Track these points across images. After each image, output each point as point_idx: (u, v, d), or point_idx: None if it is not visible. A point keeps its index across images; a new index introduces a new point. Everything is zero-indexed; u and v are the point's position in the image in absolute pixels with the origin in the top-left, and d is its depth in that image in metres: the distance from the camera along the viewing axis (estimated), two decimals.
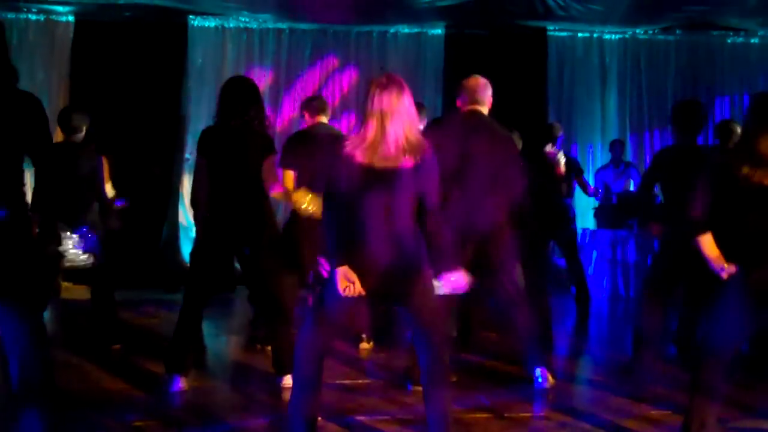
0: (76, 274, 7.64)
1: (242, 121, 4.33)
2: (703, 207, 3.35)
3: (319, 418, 3.50)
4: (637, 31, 9.43)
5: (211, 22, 9.01)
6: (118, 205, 5.77)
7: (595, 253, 8.49)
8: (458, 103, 4.56)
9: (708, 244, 3.35)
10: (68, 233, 5.24)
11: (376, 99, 3.11)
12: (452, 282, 3.32)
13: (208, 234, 4.36)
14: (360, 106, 3.30)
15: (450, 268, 3.32)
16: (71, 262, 5.37)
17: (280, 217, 6.25)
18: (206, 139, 4.38)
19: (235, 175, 4.34)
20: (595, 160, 9.40)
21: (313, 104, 5.40)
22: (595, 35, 9.47)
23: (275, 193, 4.43)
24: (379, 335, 5.53)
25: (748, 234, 3.27)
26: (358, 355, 5.40)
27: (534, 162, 5.85)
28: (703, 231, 3.35)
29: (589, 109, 9.46)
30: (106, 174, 5.62)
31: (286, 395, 3.99)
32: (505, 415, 4.07)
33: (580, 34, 9.44)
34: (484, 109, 4.49)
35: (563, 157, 5.83)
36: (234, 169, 4.33)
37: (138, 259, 8.31)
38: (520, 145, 5.52)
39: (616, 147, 8.72)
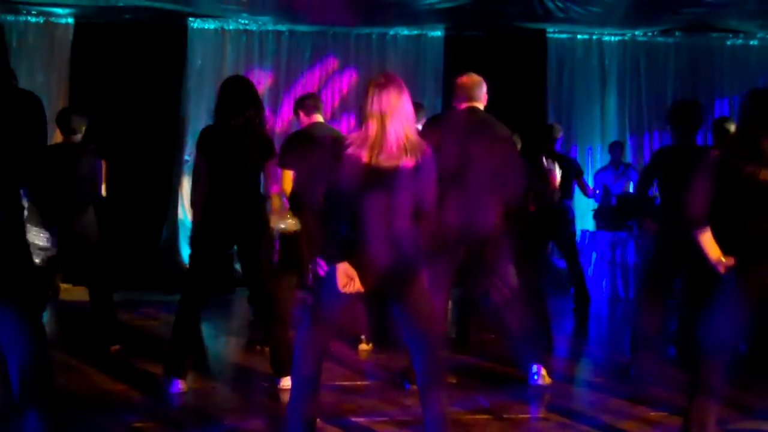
0: (76, 275, 7.67)
1: (243, 121, 4.34)
2: (703, 202, 3.34)
3: (318, 420, 3.49)
4: (637, 33, 9.43)
5: (210, 24, 9.02)
6: None
7: (594, 255, 8.50)
8: (454, 102, 4.56)
9: (707, 238, 3.35)
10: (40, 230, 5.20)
11: (375, 99, 3.12)
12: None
13: (204, 234, 4.36)
14: (359, 106, 3.28)
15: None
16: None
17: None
18: (206, 138, 4.38)
19: (234, 175, 4.34)
20: (594, 161, 9.40)
21: (308, 103, 5.34)
22: (594, 37, 9.48)
23: (273, 194, 4.44)
24: (378, 336, 5.53)
25: (751, 232, 3.26)
26: (356, 356, 5.40)
27: (534, 163, 5.86)
28: (703, 226, 3.35)
29: (588, 110, 9.46)
30: (103, 176, 5.63)
31: (285, 396, 3.99)
32: (504, 416, 4.06)
33: (579, 36, 9.45)
34: (481, 106, 4.50)
35: (558, 169, 5.79)
36: (233, 170, 4.33)
37: (137, 260, 8.32)
38: (519, 146, 5.52)
39: (616, 149, 8.72)
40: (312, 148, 4.97)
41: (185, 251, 8.44)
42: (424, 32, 9.28)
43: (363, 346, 5.54)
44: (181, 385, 4.34)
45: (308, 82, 9.13)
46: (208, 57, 9.00)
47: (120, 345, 5.44)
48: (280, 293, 4.76)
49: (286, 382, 4.27)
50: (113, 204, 7.74)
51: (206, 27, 9.01)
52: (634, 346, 4.99)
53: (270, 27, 9.12)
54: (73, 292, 7.68)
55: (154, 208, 8.79)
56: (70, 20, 8.78)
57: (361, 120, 3.17)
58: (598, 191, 8.18)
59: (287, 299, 5.02)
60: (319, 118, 5.32)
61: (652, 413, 4.11)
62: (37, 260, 4.96)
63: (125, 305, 6.70)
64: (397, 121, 3.12)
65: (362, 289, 3.13)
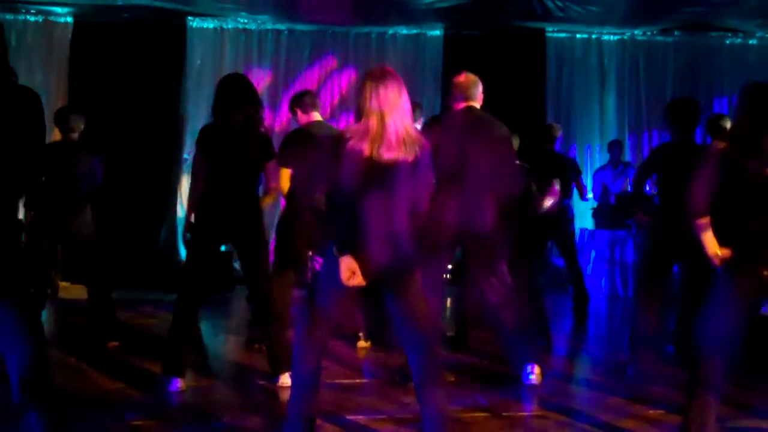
0: (75, 273, 7.67)
1: (243, 120, 4.33)
2: (706, 193, 3.32)
3: (317, 418, 3.49)
4: (636, 32, 9.44)
5: (209, 23, 9.02)
6: None
7: (593, 253, 8.50)
8: (451, 102, 4.56)
9: (706, 229, 3.34)
10: None
11: (373, 93, 3.12)
12: None
13: (201, 232, 4.35)
14: (356, 100, 3.27)
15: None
16: None
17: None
18: (207, 136, 4.36)
19: (233, 173, 4.34)
20: (593, 160, 9.41)
21: (305, 101, 5.30)
22: (593, 36, 9.48)
23: (271, 190, 4.46)
24: (376, 334, 5.53)
25: (750, 229, 3.25)
26: (355, 354, 5.40)
27: (533, 163, 5.87)
28: (703, 216, 3.34)
29: (587, 109, 9.47)
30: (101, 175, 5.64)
31: (284, 394, 4.00)
32: (503, 414, 4.06)
33: (578, 35, 9.45)
34: (477, 105, 4.50)
35: (549, 201, 5.76)
36: (232, 168, 4.33)
37: (137, 259, 8.32)
38: (517, 145, 5.52)
39: (615, 147, 8.73)
40: (311, 147, 4.96)
41: (184, 250, 8.43)
42: (423, 31, 9.28)
43: (361, 344, 5.54)
44: (180, 383, 4.34)
45: (307, 81, 9.13)
46: (207, 56, 9.01)
47: (118, 341, 5.44)
48: (277, 291, 4.76)
49: (285, 380, 4.27)
50: (112, 203, 7.79)
51: (205, 26, 9.02)
52: (633, 344, 5.00)
53: (269, 26, 9.13)
54: (71, 291, 7.68)
55: (153, 207, 8.79)
56: (69, 19, 8.78)
57: (359, 114, 3.17)
58: (591, 196, 8.17)
59: (284, 297, 5.02)
60: (317, 116, 5.30)
61: (651, 411, 4.11)
62: None
63: (124, 304, 6.70)
64: (396, 115, 3.12)
65: (364, 283, 3.13)
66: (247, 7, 8.58)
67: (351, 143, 3.09)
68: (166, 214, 8.84)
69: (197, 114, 8.69)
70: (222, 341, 6.11)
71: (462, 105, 4.47)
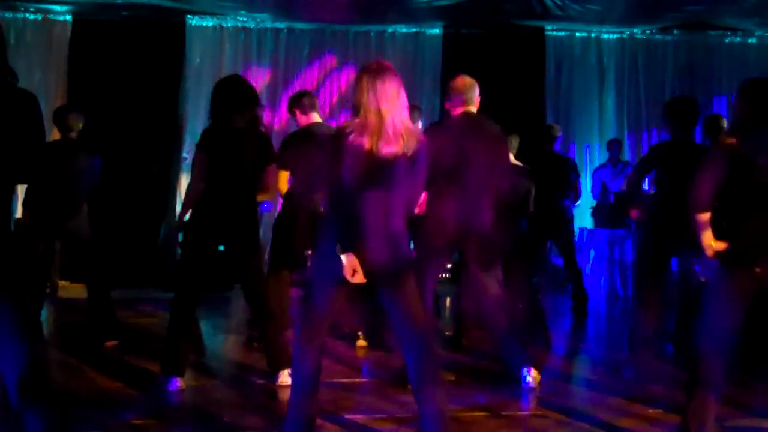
0: (74, 272, 7.67)
1: (246, 122, 4.33)
2: (710, 189, 3.30)
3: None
4: (635, 30, 9.43)
5: (209, 22, 9.01)
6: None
7: (592, 253, 8.51)
8: (447, 105, 4.56)
9: (705, 224, 3.33)
10: None
11: (370, 87, 3.11)
12: None
13: (197, 232, 4.34)
14: (352, 95, 3.25)
15: None
16: None
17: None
18: (211, 137, 4.32)
19: (234, 175, 4.32)
20: (592, 159, 9.41)
21: (304, 102, 5.27)
22: (592, 35, 9.48)
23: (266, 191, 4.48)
24: (375, 336, 5.53)
25: (755, 225, 3.25)
26: (354, 353, 5.41)
27: (534, 163, 5.87)
28: (704, 211, 3.33)
29: (586, 108, 9.47)
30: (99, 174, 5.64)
31: (283, 393, 4.01)
32: (502, 413, 4.07)
33: (577, 34, 9.45)
34: (474, 109, 4.50)
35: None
36: (234, 170, 4.32)
37: (136, 257, 8.32)
38: (517, 144, 5.52)
39: (614, 146, 8.73)
40: (311, 149, 4.94)
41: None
42: (423, 30, 9.28)
43: (360, 344, 5.54)
44: (179, 382, 4.34)
45: (307, 80, 9.14)
46: (206, 54, 9.00)
47: (116, 340, 5.44)
48: (273, 291, 4.77)
49: (284, 379, 4.27)
50: (111, 201, 7.79)
51: (204, 24, 9.01)
52: (632, 344, 5.00)
53: (268, 24, 9.12)
54: (71, 289, 7.68)
55: (152, 205, 8.78)
56: (68, 17, 8.77)
57: (356, 109, 3.15)
58: (578, 203, 8.09)
59: (280, 297, 5.03)
60: (316, 117, 5.30)
61: (650, 411, 4.11)
62: None
63: (123, 303, 6.70)
64: (394, 109, 3.12)
65: (364, 281, 3.13)
66: (247, 5, 8.58)
67: (351, 138, 3.08)
68: (165, 213, 8.84)
69: (196, 112, 8.69)
70: (221, 340, 6.11)
71: (459, 110, 4.48)
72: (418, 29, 9.27)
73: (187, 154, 8.55)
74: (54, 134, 5.73)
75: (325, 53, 9.23)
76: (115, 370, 4.80)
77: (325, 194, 3.33)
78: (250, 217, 4.44)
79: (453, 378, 4.68)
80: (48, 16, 8.73)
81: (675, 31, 9.41)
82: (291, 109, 5.38)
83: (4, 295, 2.68)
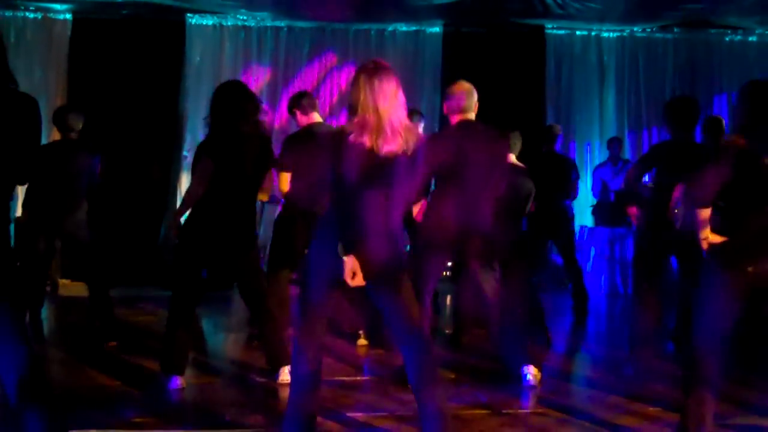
0: (74, 270, 7.67)
1: (250, 130, 4.34)
2: (714, 188, 3.29)
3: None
4: (635, 29, 9.42)
5: (209, 20, 9.00)
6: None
7: (593, 251, 8.51)
8: (445, 110, 4.57)
9: (704, 221, 3.33)
10: None
11: (368, 86, 3.11)
12: None
13: (197, 233, 4.34)
14: (350, 94, 3.25)
15: None
16: None
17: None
18: (217, 144, 4.28)
19: (236, 181, 4.31)
20: (593, 157, 9.41)
21: (304, 102, 5.26)
22: (593, 33, 9.47)
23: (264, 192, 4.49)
24: (376, 334, 5.53)
25: (755, 224, 3.25)
26: (355, 351, 5.41)
27: (535, 164, 5.87)
28: (704, 207, 3.32)
29: (587, 107, 9.46)
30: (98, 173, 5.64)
31: (284, 391, 4.00)
32: (503, 411, 4.07)
33: (578, 32, 9.44)
34: (472, 115, 4.51)
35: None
36: (237, 176, 4.30)
37: (136, 256, 8.32)
38: (519, 144, 5.52)
39: (614, 145, 8.72)
40: (312, 149, 4.92)
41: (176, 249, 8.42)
42: (423, 28, 9.27)
43: (361, 342, 5.54)
44: (179, 381, 4.34)
45: (307, 78, 9.13)
46: (206, 53, 8.99)
47: (117, 341, 5.44)
48: (272, 289, 4.77)
49: (285, 377, 4.27)
50: (111, 200, 7.78)
51: (204, 23, 9.00)
52: (632, 341, 5.01)
53: (268, 23, 9.11)
54: (71, 288, 7.68)
55: (152, 204, 8.78)
56: (68, 16, 8.76)
57: (354, 109, 3.15)
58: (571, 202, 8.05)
59: (279, 295, 5.03)
60: (316, 116, 5.29)
61: (650, 409, 4.12)
62: None
63: (124, 301, 6.71)
64: (392, 108, 3.12)
65: (364, 284, 3.13)
66: (247, 4, 8.57)
67: (352, 138, 3.07)
68: (165, 211, 8.83)
69: (196, 111, 8.67)
70: (222, 338, 6.12)
71: (457, 118, 4.49)
72: (418, 28, 9.26)
73: (187, 152, 8.55)
74: (54, 134, 5.73)
75: (325, 52, 9.22)
76: (116, 368, 4.81)
77: (327, 196, 3.32)
78: (249, 218, 4.44)
79: (453, 376, 4.68)
80: (48, 14, 8.73)
81: (675, 30, 9.39)
82: (291, 110, 5.37)
83: (3, 295, 2.68)
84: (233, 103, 4.31)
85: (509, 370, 4.60)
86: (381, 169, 3.09)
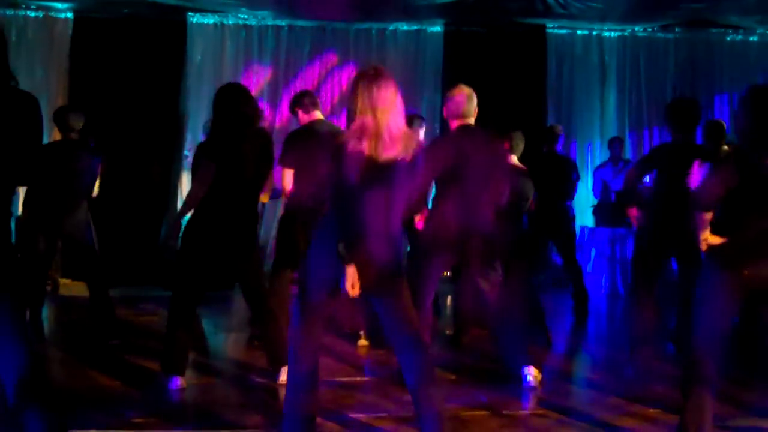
0: (75, 270, 7.67)
1: (252, 132, 4.34)
2: (718, 192, 3.30)
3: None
4: (636, 28, 9.42)
5: (210, 19, 9.00)
6: None
7: (593, 251, 8.50)
8: (445, 113, 4.57)
9: (705, 224, 3.34)
10: None
11: (366, 92, 3.11)
12: None
13: (199, 234, 4.33)
14: (349, 100, 3.25)
15: None
16: None
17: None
18: (220, 148, 4.27)
19: (238, 182, 4.31)
20: (594, 157, 9.41)
21: (305, 101, 5.26)
22: (594, 33, 9.47)
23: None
24: (377, 335, 5.53)
25: (754, 228, 3.25)
26: (356, 352, 5.41)
27: (536, 163, 5.87)
28: (705, 212, 3.34)
29: (588, 106, 9.46)
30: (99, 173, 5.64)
31: (284, 392, 3.99)
32: (503, 412, 4.07)
33: (579, 32, 9.44)
34: (472, 120, 4.51)
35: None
36: (238, 178, 4.30)
37: (137, 256, 8.32)
38: (522, 145, 5.51)
39: (615, 145, 8.72)
40: (314, 146, 4.92)
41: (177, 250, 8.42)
42: (424, 28, 9.26)
43: (362, 342, 5.55)
44: (180, 381, 4.35)
45: (307, 77, 9.13)
46: (207, 52, 8.99)
47: (119, 340, 5.44)
48: (274, 289, 4.76)
49: (285, 377, 4.26)
50: (112, 200, 7.78)
51: (205, 22, 9.00)
52: (632, 343, 5.00)
53: (269, 22, 9.11)
54: (72, 288, 7.68)
55: (153, 203, 8.78)
56: (70, 15, 8.76)
57: (352, 115, 3.15)
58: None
59: (281, 295, 5.03)
60: (318, 115, 5.28)
61: (650, 410, 4.12)
62: None
63: (125, 301, 6.71)
64: (391, 114, 3.12)
65: (359, 294, 3.13)
66: (248, 3, 8.56)
67: (351, 145, 3.08)
68: (165, 211, 8.83)
69: (197, 110, 8.68)
70: (223, 339, 6.11)
71: (456, 123, 4.49)
72: (419, 27, 9.26)
73: (188, 151, 8.54)
74: (54, 134, 5.73)
75: (325, 51, 9.22)
76: (116, 368, 4.81)
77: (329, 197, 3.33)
78: (251, 220, 4.44)
79: (453, 377, 4.69)
80: (49, 13, 8.72)
81: (676, 29, 9.39)
82: (293, 109, 5.37)
83: (3, 295, 2.68)
84: (234, 106, 4.31)
85: (509, 370, 4.60)
86: (380, 174, 3.09)
